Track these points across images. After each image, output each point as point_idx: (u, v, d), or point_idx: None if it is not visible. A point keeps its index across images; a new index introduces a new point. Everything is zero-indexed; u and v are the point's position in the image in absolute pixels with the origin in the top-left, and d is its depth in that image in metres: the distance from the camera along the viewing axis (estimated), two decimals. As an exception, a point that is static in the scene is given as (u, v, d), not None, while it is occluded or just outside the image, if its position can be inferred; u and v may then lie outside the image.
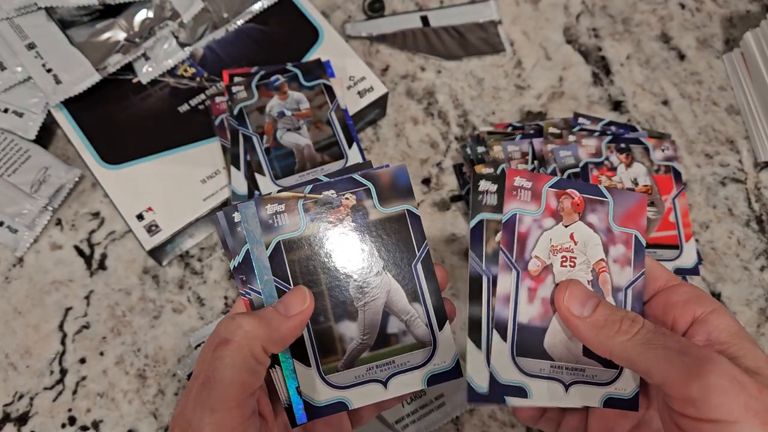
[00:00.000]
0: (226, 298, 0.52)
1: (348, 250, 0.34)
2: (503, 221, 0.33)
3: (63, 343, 0.51)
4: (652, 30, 0.65)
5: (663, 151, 0.53)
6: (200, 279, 0.53)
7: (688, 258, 0.50)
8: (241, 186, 0.49)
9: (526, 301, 0.33)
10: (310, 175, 0.50)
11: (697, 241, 0.56)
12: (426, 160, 0.58)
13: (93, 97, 0.53)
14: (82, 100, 0.52)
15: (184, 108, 0.54)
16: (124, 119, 0.53)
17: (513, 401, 0.32)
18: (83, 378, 0.50)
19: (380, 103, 0.56)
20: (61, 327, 0.51)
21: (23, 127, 0.53)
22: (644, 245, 0.34)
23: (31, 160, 0.53)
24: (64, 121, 0.53)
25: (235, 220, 0.34)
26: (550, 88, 0.62)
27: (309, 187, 0.34)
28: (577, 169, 0.51)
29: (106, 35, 0.53)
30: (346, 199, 0.35)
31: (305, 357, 0.33)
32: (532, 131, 0.54)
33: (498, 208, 0.34)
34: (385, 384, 0.34)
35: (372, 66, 0.61)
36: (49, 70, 0.52)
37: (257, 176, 0.49)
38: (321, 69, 0.53)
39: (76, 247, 0.54)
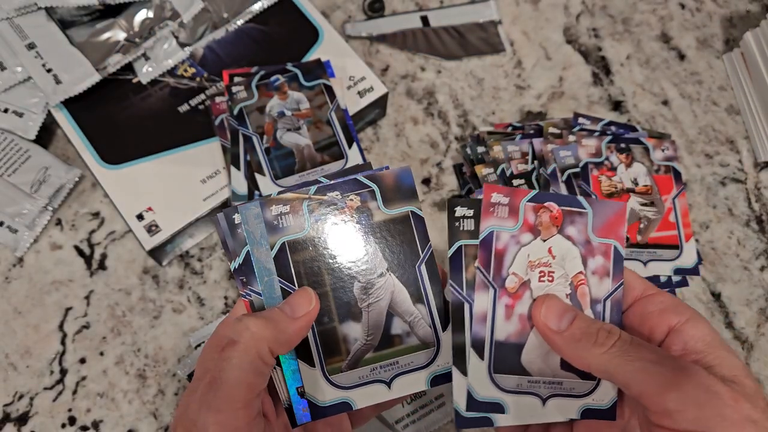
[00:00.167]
0: (226, 298, 0.52)
1: (352, 251, 0.34)
2: (480, 239, 0.33)
3: (63, 343, 0.51)
4: (652, 30, 0.65)
5: (663, 151, 0.53)
6: (200, 279, 0.53)
7: (688, 258, 0.50)
8: (241, 186, 0.49)
9: (503, 318, 0.33)
10: (310, 175, 0.50)
11: (697, 241, 0.56)
12: (426, 160, 0.58)
13: (93, 97, 0.53)
14: (82, 100, 0.52)
15: (184, 108, 0.54)
16: (124, 119, 0.53)
17: (500, 420, 0.32)
18: (83, 378, 0.50)
19: (380, 103, 0.56)
20: (61, 327, 0.51)
21: (23, 127, 0.53)
22: (623, 255, 0.34)
23: (31, 160, 0.53)
24: (64, 121, 0.53)
25: (236, 222, 0.34)
26: (550, 88, 0.62)
27: (314, 188, 0.34)
28: (577, 169, 0.51)
29: (106, 35, 0.53)
30: (351, 200, 0.35)
31: (309, 357, 0.33)
32: (532, 131, 0.54)
33: (475, 234, 0.33)
34: (388, 384, 0.34)
35: (372, 66, 0.61)
36: (49, 70, 0.52)
37: (257, 176, 0.49)
38: (321, 69, 0.53)
39: (76, 247, 0.54)
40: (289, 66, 0.53)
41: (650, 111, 0.61)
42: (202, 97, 0.54)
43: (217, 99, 0.53)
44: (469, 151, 0.53)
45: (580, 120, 0.54)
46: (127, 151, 0.52)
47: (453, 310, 0.33)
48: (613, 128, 0.54)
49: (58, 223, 0.54)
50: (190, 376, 0.47)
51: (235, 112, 0.51)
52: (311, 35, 0.57)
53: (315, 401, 0.33)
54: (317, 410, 0.33)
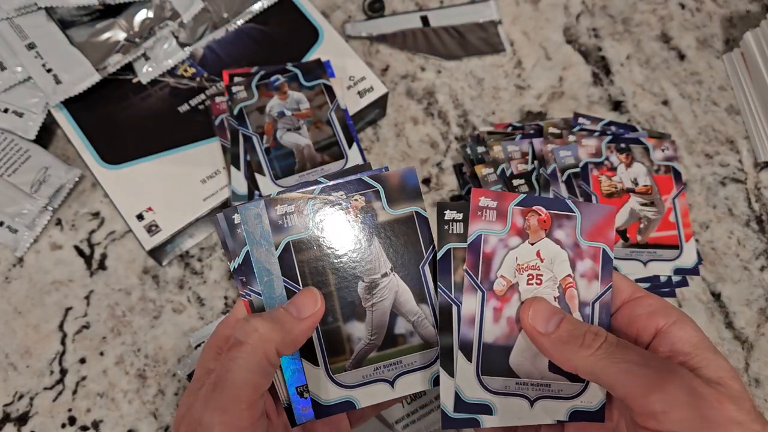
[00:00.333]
0: (226, 298, 0.52)
1: (356, 251, 0.34)
2: (468, 243, 0.33)
3: (63, 343, 0.51)
4: (652, 30, 0.65)
5: (663, 151, 0.53)
6: (200, 279, 0.53)
7: (688, 258, 0.50)
8: (241, 186, 0.49)
9: (491, 321, 0.33)
10: (310, 175, 0.50)
11: (697, 241, 0.56)
12: (426, 160, 0.58)
13: (93, 97, 0.53)
14: (82, 100, 0.52)
15: (184, 108, 0.54)
16: (124, 119, 0.53)
17: (487, 422, 0.33)
18: (83, 378, 0.50)
19: (380, 103, 0.56)
20: (61, 327, 0.51)
21: (23, 127, 0.53)
22: (612, 258, 0.34)
23: (31, 160, 0.53)
24: (64, 121, 0.53)
25: (236, 222, 0.34)
26: (550, 88, 0.62)
27: (318, 188, 0.35)
28: (577, 169, 0.51)
29: (106, 35, 0.53)
30: (355, 200, 0.35)
31: (313, 356, 0.33)
32: (532, 131, 0.54)
33: (464, 237, 0.34)
34: (392, 384, 0.34)
35: (372, 66, 0.61)
36: (49, 70, 0.52)
37: (257, 176, 0.49)
38: (321, 69, 0.53)
39: (76, 247, 0.54)
40: (289, 66, 0.53)
41: (650, 111, 0.61)
42: (202, 97, 0.54)
43: (217, 99, 0.53)
44: (469, 151, 0.53)
45: (580, 120, 0.54)
46: (127, 151, 0.52)
47: (440, 312, 0.33)
48: (613, 128, 0.54)
49: (58, 223, 0.54)
50: (190, 376, 0.47)
51: (235, 112, 0.51)
52: (311, 35, 0.57)
53: (319, 400, 0.33)
54: (321, 409, 0.33)
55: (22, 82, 0.53)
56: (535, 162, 0.51)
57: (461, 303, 0.33)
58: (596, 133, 0.53)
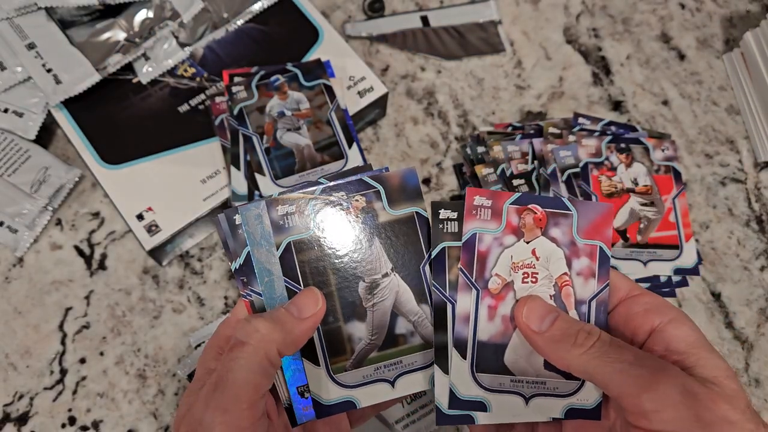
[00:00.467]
0: (226, 298, 0.52)
1: (357, 251, 0.34)
2: (463, 241, 0.33)
3: (63, 343, 0.51)
4: (652, 30, 0.65)
5: (663, 151, 0.53)
6: (200, 279, 0.53)
7: (688, 258, 0.50)
8: (241, 186, 0.49)
9: (486, 319, 0.33)
10: (310, 175, 0.50)
11: (697, 241, 0.56)
12: (426, 160, 0.58)
13: (93, 97, 0.53)
14: (82, 100, 0.52)
15: (184, 108, 0.54)
16: (124, 119, 0.53)
17: (482, 418, 0.33)
18: (83, 378, 0.50)
19: (380, 103, 0.56)
20: (61, 327, 0.51)
21: (23, 127, 0.53)
22: (609, 256, 0.34)
23: (31, 160, 0.53)
24: (64, 121, 0.53)
25: (237, 222, 0.34)
26: (550, 88, 0.62)
27: (319, 189, 0.35)
28: (577, 169, 0.51)
29: (106, 35, 0.53)
30: (356, 200, 0.35)
31: (314, 356, 0.34)
32: (532, 131, 0.54)
33: (459, 236, 0.34)
34: (392, 383, 0.34)
35: (372, 66, 0.61)
36: (49, 70, 0.52)
37: (257, 176, 0.49)
38: (321, 69, 0.53)
39: (76, 247, 0.54)
40: (289, 66, 0.53)
41: (650, 111, 0.61)
42: (202, 97, 0.54)
43: (217, 99, 0.53)
44: (469, 151, 0.53)
45: (580, 120, 0.54)
46: (127, 151, 0.52)
47: (435, 310, 0.33)
48: (613, 128, 0.54)
49: (58, 223, 0.54)
50: (190, 376, 0.47)
51: (235, 112, 0.51)
52: (311, 35, 0.57)
53: (320, 400, 0.33)
54: (322, 409, 0.33)
55: (22, 82, 0.53)
56: (535, 162, 0.51)
57: (456, 301, 0.33)
58: (596, 133, 0.53)
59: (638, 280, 0.50)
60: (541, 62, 0.63)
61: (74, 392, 0.49)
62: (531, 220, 0.34)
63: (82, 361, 0.50)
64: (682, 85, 0.62)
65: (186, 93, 0.54)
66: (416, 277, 0.34)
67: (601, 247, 0.34)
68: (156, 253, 0.50)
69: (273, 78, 0.52)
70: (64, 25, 0.53)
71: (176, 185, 0.51)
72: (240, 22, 0.57)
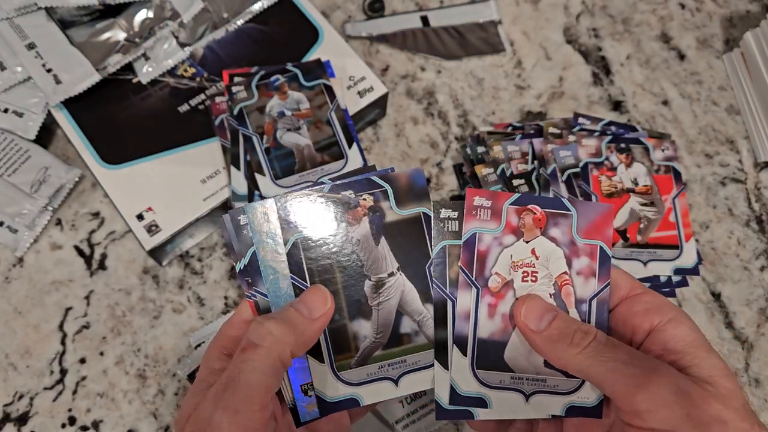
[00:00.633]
0: (226, 298, 0.52)
1: (364, 250, 0.35)
2: (463, 241, 0.34)
3: (63, 343, 0.51)
4: (652, 30, 0.65)
5: (663, 151, 0.53)
6: (200, 279, 0.53)
7: (688, 258, 0.50)
8: (241, 186, 0.49)
9: (486, 316, 0.34)
10: (310, 175, 0.50)
11: (697, 241, 0.56)
12: (426, 160, 0.58)
13: (93, 97, 0.53)
14: (82, 100, 0.52)
15: (184, 108, 0.54)
16: (124, 119, 0.53)
17: (482, 414, 0.33)
18: (83, 378, 0.50)
19: (380, 103, 0.56)
20: (61, 327, 0.51)
21: (23, 127, 0.53)
22: (610, 256, 0.34)
23: (31, 160, 0.53)
24: (64, 121, 0.53)
25: (241, 223, 0.34)
26: (550, 88, 0.62)
27: (328, 187, 0.35)
28: (577, 169, 0.51)
29: (106, 35, 0.53)
30: (364, 200, 0.35)
31: (319, 353, 0.34)
32: (532, 131, 0.54)
33: (459, 235, 0.34)
34: (396, 382, 0.34)
35: (372, 66, 0.61)
36: (49, 70, 0.52)
37: (257, 176, 0.49)
38: (321, 69, 0.53)
39: (76, 247, 0.54)
40: (289, 66, 0.53)
41: (650, 111, 0.61)
42: (202, 97, 0.54)
43: (217, 99, 0.53)
44: (469, 151, 0.53)
45: (580, 120, 0.54)
46: (127, 151, 0.52)
47: (435, 307, 0.34)
48: (613, 128, 0.54)
49: (58, 223, 0.54)
50: (190, 376, 0.47)
51: (235, 112, 0.51)
52: (311, 35, 0.57)
53: (324, 397, 0.34)
54: (326, 406, 0.34)
55: (22, 82, 0.53)
56: (535, 162, 0.51)
57: (456, 299, 0.34)
58: (596, 133, 0.53)
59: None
60: (541, 62, 0.63)
61: (74, 392, 0.49)
62: (530, 220, 0.34)
63: (82, 361, 0.50)
64: (682, 85, 0.62)
65: (186, 93, 0.54)
66: (422, 277, 0.35)
67: (601, 247, 0.34)
68: (156, 253, 0.50)
69: (273, 78, 0.52)
70: (64, 25, 0.53)
71: (176, 185, 0.51)
72: (240, 22, 0.57)
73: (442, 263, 0.34)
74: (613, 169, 0.51)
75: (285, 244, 0.34)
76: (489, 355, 0.33)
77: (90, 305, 0.52)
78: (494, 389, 0.33)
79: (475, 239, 0.34)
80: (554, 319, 0.32)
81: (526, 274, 0.34)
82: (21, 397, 0.49)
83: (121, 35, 0.53)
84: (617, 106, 0.61)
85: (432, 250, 0.35)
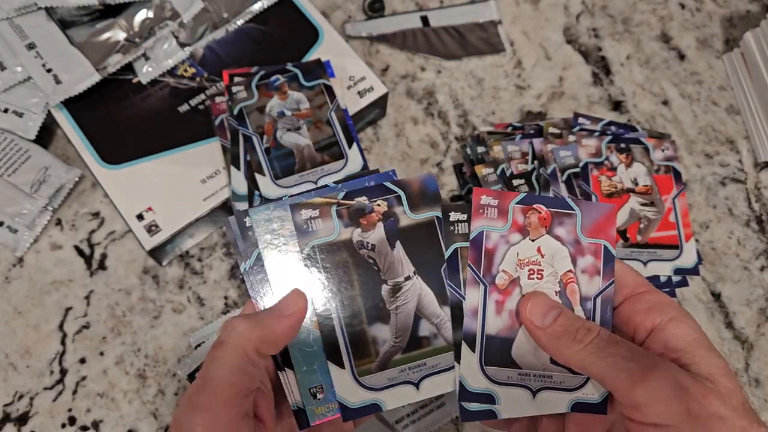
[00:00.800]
0: (226, 298, 0.52)
1: (380, 255, 0.35)
2: (470, 238, 0.35)
3: (63, 343, 0.51)
4: (652, 30, 0.65)
5: (663, 151, 0.53)
6: (200, 279, 0.53)
7: (688, 258, 0.50)
8: (241, 186, 0.49)
9: (493, 313, 0.34)
10: (310, 175, 0.50)
11: (697, 241, 0.56)
12: (426, 160, 0.58)
13: (93, 97, 0.53)
14: (82, 100, 0.52)
15: (184, 108, 0.54)
16: (124, 119, 0.53)
17: (503, 412, 0.33)
18: (83, 378, 0.50)
19: (380, 103, 0.56)
20: (61, 327, 0.51)
21: (23, 127, 0.53)
22: (614, 255, 0.35)
23: (31, 160, 0.53)
24: (64, 121, 0.53)
25: (247, 224, 0.35)
26: (550, 88, 0.62)
27: (342, 193, 0.36)
28: (577, 169, 0.51)
29: (106, 35, 0.53)
30: (378, 205, 0.36)
31: (339, 359, 0.34)
32: (532, 131, 0.54)
33: (469, 237, 0.35)
34: (417, 386, 0.35)
35: (372, 66, 0.61)
36: (49, 70, 0.52)
37: (257, 176, 0.49)
38: (321, 69, 0.53)
39: (76, 247, 0.54)
40: (289, 66, 0.53)
41: (650, 111, 0.61)
42: (202, 97, 0.54)
43: (217, 99, 0.53)
44: (469, 151, 0.53)
45: (580, 120, 0.54)
46: (127, 151, 0.52)
47: (452, 308, 0.34)
48: (613, 128, 0.54)
49: (58, 223, 0.54)
50: (190, 376, 0.47)
51: (235, 112, 0.51)
52: (311, 35, 0.57)
53: (346, 403, 0.34)
54: (348, 412, 0.34)
55: (22, 82, 0.53)
56: (535, 162, 0.51)
57: (465, 296, 0.34)
58: (596, 133, 0.53)
59: (638, 280, 0.50)
60: (541, 62, 0.63)
61: (74, 392, 0.49)
62: (536, 219, 0.35)
63: (82, 361, 0.50)
64: (682, 85, 0.62)
65: (186, 93, 0.54)
66: (438, 280, 0.35)
67: (605, 246, 0.35)
68: (156, 253, 0.50)
69: (273, 78, 0.52)
70: (64, 25, 0.53)
71: (176, 185, 0.51)
72: (240, 22, 0.57)
73: (455, 265, 0.35)
74: (613, 169, 0.51)
75: (302, 251, 0.34)
76: (497, 352, 0.34)
77: (90, 305, 0.52)
78: (502, 385, 0.34)
79: (482, 237, 0.35)
80: (558, 316, 0.32)
81: (532, 271, 0.34)
82: (21, 397, 0.49)
83: (121, 35, 0.53)
84: (617, 106, 0.61)
85: (445, 252, 0.35)
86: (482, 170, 0.51)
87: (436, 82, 0.61)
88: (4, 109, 0.53)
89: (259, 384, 0.32)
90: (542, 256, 0.35)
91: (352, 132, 0.51)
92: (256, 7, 0.57)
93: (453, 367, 0.35)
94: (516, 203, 0.35)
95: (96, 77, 0.52)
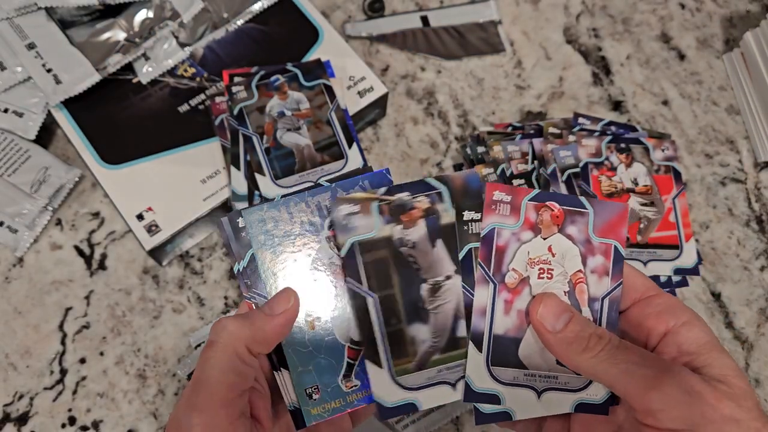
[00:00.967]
0: (226, 298, 0.52)
1: (420, 253, 0.34)
2: (481, 235, 0.34)
3: (63, 343, 0.51)
4: (652, 30, 0.65)
5: (663, 151, 0.53)
6: (200, 279, 0.53)
7: (688, 258, 0.50)
8: (241, 186, 0.49)
9: (502, 313, 0.34)
10: (310, 175, 0.50)
11: (697, 241, 0.56)
12: (426, 160, 0.58)
13: (93, 97, 0.53)
14: (82, 100, 0.52)
15: (184, 108, 0.54)
16: (124, 119, 0.53)
17: (517, 414, 0.33)
18: (83, 378, 0.50)
19: (380, 103, 0.56)
20: (61, 327, 0.51)
21: (23, 127, 0.53)
22: (623, 256, 0.35)
23: (31, 160, 0.53)
24: (64, 121, 0.53)
25: (240, 225, 0.34)
26: (550, 88, 0.62)
27: (383, 189, 0.35)
28: (577, 169, 0.51)
29: (106, 35, 0.53)
30: (419, 202, 0.35)
31: (377, 358, 0.34)
32: (532, 131, 0.54)
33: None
34: (454, 386, 0.34)
35: (372, 66, 0.61)
36: (49, 70, 0.52)
37: (257, 176, 0.49)
38: (321, 69, 0.53)
39: (76, 247, 0.54)
40: (289, 66, 0.53)
41: (650, 111, 0.61)
42: (202, 97, 0.54)
43: (217, 99, 0.53)
44: (469, 151, 0.53)
45: (580, 120, 0.54)
46: (127, 151, 0.52)
47: (466, 307, 0.34)
48: (613, 128, 0.54)
49: (58, 223, 0.54)
50: (190, 376, 0.47)
51: (235, 112, 0.51)
52: (311, 35, 0.57)
53: (383, 402, 0.33)
54: (384, 411, 0.33)
55: (22, 82, 0.53)
56: (535, 162, 0.51)
57: (473, 294, 0.34)
58: (596, 133, 0.53)
59: (638, 280, 0.50)
60: (541, 62, 0.63)
61: (74, 392, 0.49)
62: (548, 217, 0.34)
63: (82, 361, 0.50)
64: (682, 85, 0.62)
65: (186, 93, 0.54)
66: None
67: (615, 246, 0.34)
68: (156, 253, 0.50)
69: (273, 78, 0.52)
70: (64, 25, 0.53)
71: (176, 185, 0.51)
72: (240, 22, 0.57)
73: (469, 266, 0.34)
74: (613, 169, 0.51)
75: (341, 248, 0.34)
76: (504, 352, 0.33)
77: (90, 305, 0.52)
78: (507, 386, 0.33)
79: (493, 234, 0.34)
80: (570, 321, 0.32)
81: (542, 271, 0.34)
82: (21, 397, 0.49)
83: (121, 35, 0.53)
84: (617, 106, 0.61)
85: (459, 253, 0.34)
86: (482, 170, 0.51)
87: (436, 82, 0.61)
88: (4, 109, 0.53)
89: (254, 383, 0.32)
90: (553, 255, 0.34)
91: (352, 132, 0.51)
92: (256, 7, 0.57)
93: None
94: (529, 200, 0.34)
95: (96, 77, 0.52)
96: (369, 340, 0.33)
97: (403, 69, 0.62)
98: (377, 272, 0.34)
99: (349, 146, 0.51)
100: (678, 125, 0.61)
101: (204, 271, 0.53)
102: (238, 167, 0.50)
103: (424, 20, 0.63)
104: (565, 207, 0.34)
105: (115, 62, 0.53)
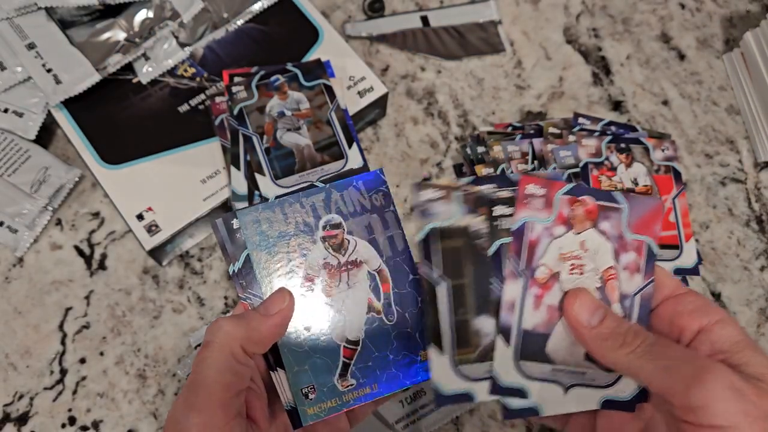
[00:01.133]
0: (226, 298, 0.52)
1: (496, 246, 0.34)
2: (512, 229, 0.33)
3: (63, 343, 0.51)
4: (652, 30, 0.65)
5: (663, 151, 0.53)
6: (200, 279, 0.53)
7: (688, 258, 0.50)
8: (241, 186, 0.49)
9: (531, 308, 0.33)
10: (310, 175, 0.50)
11: (697, 241, 0.56)
12: (426, 160, 0.58)
13: (93, 97, 0.53)
14: (82, 100, 0.52)
15: (184, 108, 0.54)
16: (124, 119, 0.53)
17: (545, 409, 0.33)
18: (83, 378, 0.50)
19: (380, 103, 0.56)
20: (61, 327, 0.51)
21: (23, 127, 0.53)
22: (656, 253, 0.34)
23: (31, 160, 0.53)
24: (64, 121, 0.53)
25: (234, 227, 0.34)
26: (550, 88, 0.62)
27: (468, 180, 0.34)
28: (577, 169, 0.51)
29: (106, 35, 0.53)
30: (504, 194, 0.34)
31: (440, 344, 0.33)
32: (532, 131, 0.54)
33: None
34: None
35: (372, 66, 0.61)
36: (49, 70, 0.52)
37: (257, 176, 0.49)
38: (321, 69, 0.53)
39: (76, 247, 0.54)
40: (289, 66, 0.53)
41: (650, 111, 0.61)
42: (202, 97, 0.54)
43: (217, 99, 0.53)
44: (469, 151, 0.53)
45: (580, 120, 0.54)
46: (127, 151, 0.52)
47: (495, 304, 0.33)
48: (613, 128, 0.54)
49: (58, 223, 0.54)
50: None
51: (235, 112, 0.51)
52: (311, 35, 0.57)
53: (440, 388, 0.33)
54: (441, 398, 0.33)
55: (22, 82, 0.53)
56: (535, 162, 0.51)
57: (502, 289, 0.33)
58: (596, 133, 0.53)
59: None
60: (541, 62, 0.63)
61: (74, 392, 0.49)
62: (582, 212, 0.34)
63: (82, 361, 0.50)
64: (682, 85, 0.62)
65: (186, 93, 0.54)
66: None
67: (648, 243, 0.34)
68: (156, 253, 0.50)
69: (273, 78, 0.52)
70: (64, 25, 0.53)
71: (176, 185, 0.51)
72: (240, 22, 0.57)
73: (498, 264, 0.33)
74: (613, 169, 0.51)
75: (419, 232, 0.33)
76: (532, 346, 0.33)
77: (90, 305, 0.52)
78: (535, 381, 0.33)
79: (525, 228, 0.33)
80: (605, 318, 0.32)
81: (573, 266, 0.34)
82: (21, 397, 0.49)
83: (121, 35, 0.53)
84: (617, 106, 0.61)
85: (489, 250, 0.34)
86: (482, 170, 0.51)
87: (436, 82, 0.61)
88: (4, 109, 0.53)
89: (249, 383, 0.32)
90: (585, 251, 0.34)
91: (352, 132, 0.51)
92: (256, 7, 0.57)
93: None
94: (563, 194, 0.34)
95: (96, 77, 0.52)
96: (434, 326, 0.33)
97: (403, 69, 0.62)
98: (452, 260, 0.33)
99: (349, 146, 0.51)
100: (678, 125, 0.61)
101: (204, 271, 0.53)
102: (238, 167, 0.50)
103: (424, 20, 0.63)
104: (599, 202, 0.34)
105: (115, 62, 0.53)
